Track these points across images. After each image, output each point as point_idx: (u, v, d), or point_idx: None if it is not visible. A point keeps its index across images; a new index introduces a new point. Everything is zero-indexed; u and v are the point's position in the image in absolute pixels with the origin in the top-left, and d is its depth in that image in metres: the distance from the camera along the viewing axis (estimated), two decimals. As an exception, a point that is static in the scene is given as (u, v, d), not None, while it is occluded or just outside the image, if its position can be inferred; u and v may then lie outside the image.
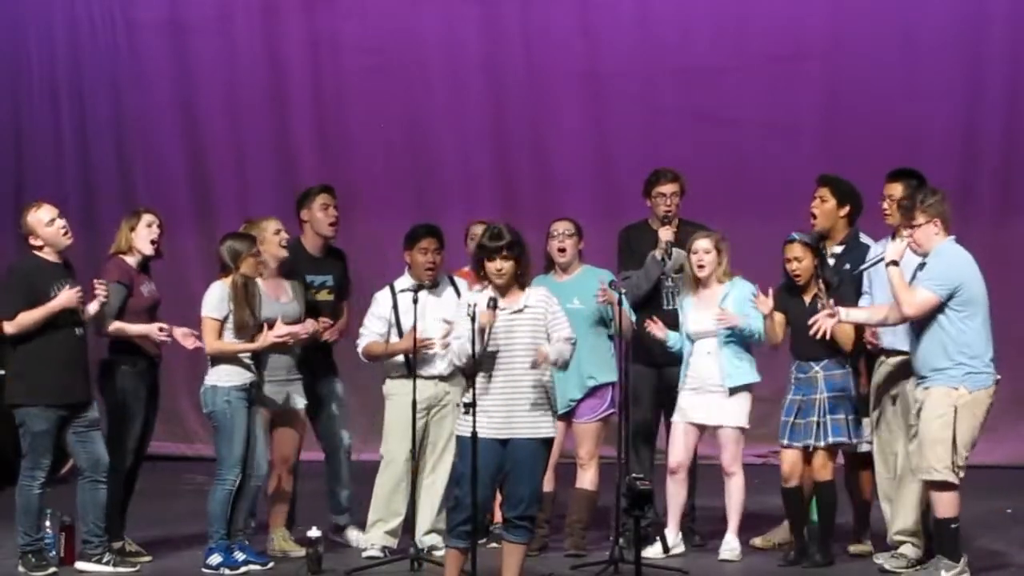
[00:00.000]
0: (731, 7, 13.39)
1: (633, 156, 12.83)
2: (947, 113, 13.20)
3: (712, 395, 9.34)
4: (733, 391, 9.32)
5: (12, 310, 8.84)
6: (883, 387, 9.14)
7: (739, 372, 9.33)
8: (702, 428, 9.45)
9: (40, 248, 8.94)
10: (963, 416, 8.41)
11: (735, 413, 9.34)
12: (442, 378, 9.40)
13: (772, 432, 9.44)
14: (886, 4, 13.26)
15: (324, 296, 9.90)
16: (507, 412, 7.84)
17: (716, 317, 9.25)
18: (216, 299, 9.06)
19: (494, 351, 7.85)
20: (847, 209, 9.54)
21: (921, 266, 8.59)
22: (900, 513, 9.00)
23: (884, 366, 9.14)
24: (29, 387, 8.86)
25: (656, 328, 9.40)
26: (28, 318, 8.82)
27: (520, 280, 7.98)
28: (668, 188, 9.78)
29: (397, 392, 9.49)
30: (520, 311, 7.92)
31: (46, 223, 8.94)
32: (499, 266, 7.92)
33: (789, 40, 13.33)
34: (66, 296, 8.83)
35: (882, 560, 9.03)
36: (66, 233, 8.98)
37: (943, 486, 8.43)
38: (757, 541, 9.68)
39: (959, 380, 8.43)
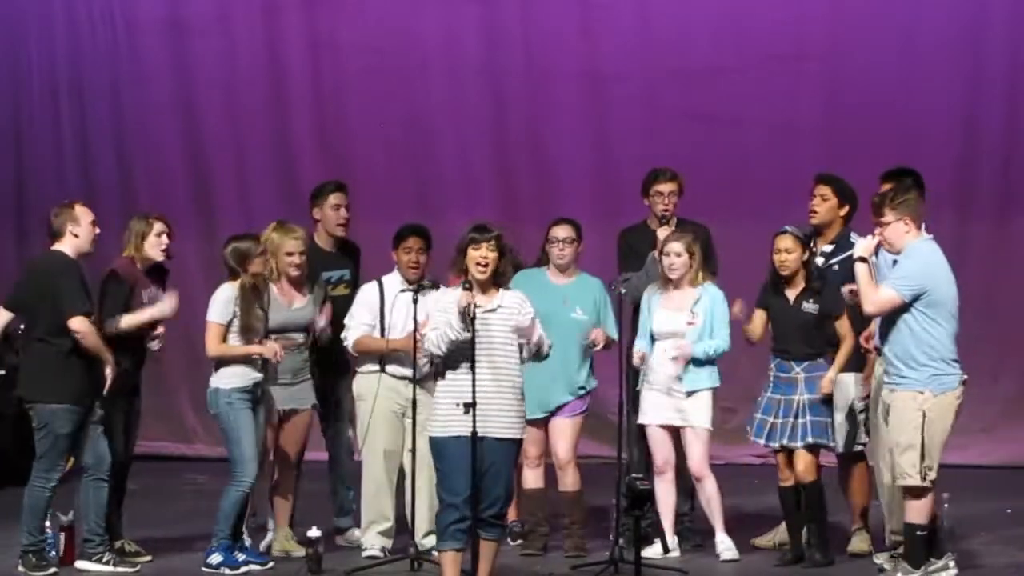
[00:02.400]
0: (731, 7, 13.38)
1: (633, 156, 12.81)
2: (947, 113, 13.20)
3: (676, 397, 9.30)
4: (690, 394, 9.28)
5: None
6: (880, 388, 9.14)
7: (699, 377, 9.29)
8: (673, 429, 9.40)
9: (76, 236, 8.94)
10: (931, 420, 8.37)
11: (700, 414, 9.29)
12: (411, 380, 9.25)
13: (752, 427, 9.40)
14: (886, 4, 13.27)
15: (341, 291, 9.87)
16: (481, 411, 7.83)
17: (674, 354, 9.19)
18: (221, 303, 9.08)
19: (466, 339, 7.82)
20: (847, 208, 9.57)
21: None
22: (897, 513, 9.00)
23: (878, 367, 9.13)
24: (58, 386, 8.84)
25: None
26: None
27: (498, 279, 7.99)
28: (666, 187, 9.78)
29: (367, 393, 9.46)
30: (493, 310, 7.92)
31: (89, 221, 9.01)
32: (484, 254, 7.90)
33: (789, 40, 13.32)
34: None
35: (882, 560, 9.04)
36: (94, 241, 9.03)
37: (915, 491, 8.43)
38: (757, 541, 9.69)
39: (923, 383, 8.38)
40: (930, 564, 8.55)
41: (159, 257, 9.35)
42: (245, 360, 9.10)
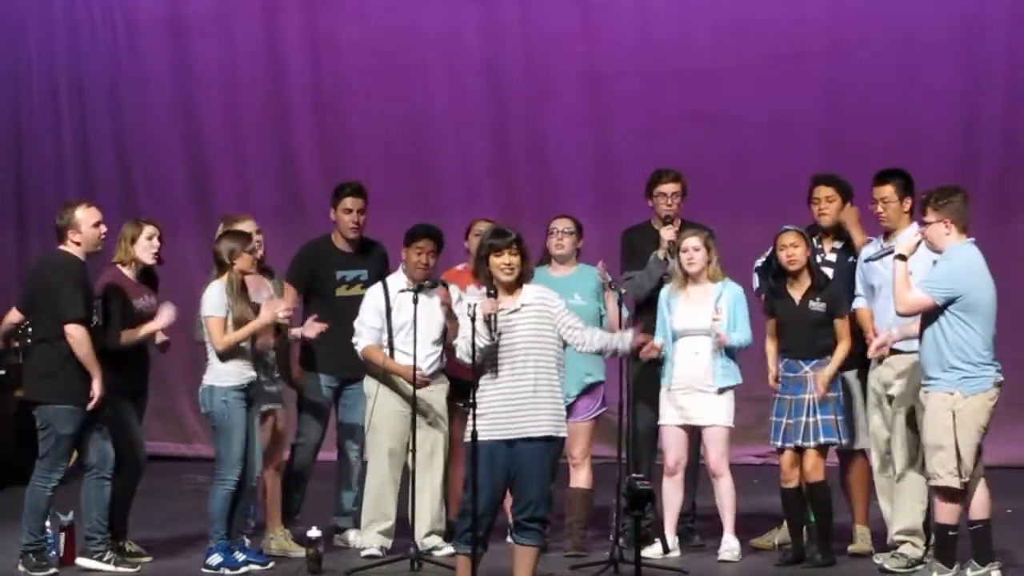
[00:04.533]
0: (731, 7, 13.40)
1: (633, 156, 12.84)
2: (947, 113, 13.21)
3: (701, 395, 9.30)
4: (722, 391, 9.30)
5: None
6: (879, 387, 9.15)
7: (727, 373, 9.32)
8: (692, 428, 9.42)
9: (77, 244, 8.91)
10: (961, 421, 8.38)
11: (724, 412, 9.32)
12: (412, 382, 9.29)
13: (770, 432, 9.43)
14: (886, 4, 13.28)
15: (357, 291, 9.83)
16: (510, 413, 7.80)
17: (716, 340, 9.19)
18: (217, 298, 9.07)
19: (493, 345, 7.80)
20: (850, 206, 9.57)
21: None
22: (899, 513, 9.01)
23: (880, 366, 9.13)
24: (61, 387, 8.83)
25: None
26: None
27: (521, 279, 7.97)
28: (669, 188, 9.79)
29: (377, 392, 9.47)
30: (517, 310, 7.89)
31: (92, 224, 8.96)
32: (508, 260, 7.84)
33: (789, 40, 13.33)
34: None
35: (882, 560, 9.04)
36: (101, 240, 9.01)
37: (946, 492, 8.43)
38: (756, 541, 9.69)
39: (954, 385, 8.39)
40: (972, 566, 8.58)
41: (149, 260, 9.32)
42: (241, 356, 9.09)
